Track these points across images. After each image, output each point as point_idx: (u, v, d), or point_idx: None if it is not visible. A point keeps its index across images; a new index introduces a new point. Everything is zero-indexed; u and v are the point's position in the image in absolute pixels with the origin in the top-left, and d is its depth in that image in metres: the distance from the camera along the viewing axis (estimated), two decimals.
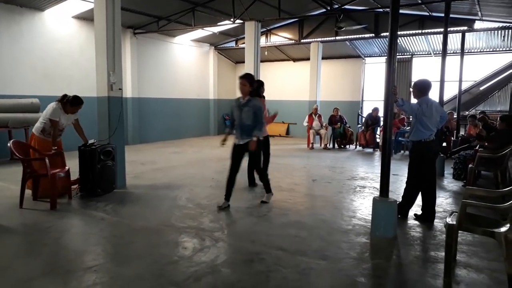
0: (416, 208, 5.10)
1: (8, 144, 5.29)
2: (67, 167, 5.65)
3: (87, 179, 5.80)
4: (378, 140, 12.03)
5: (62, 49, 10.37)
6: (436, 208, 4.95)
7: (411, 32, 11.93)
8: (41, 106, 8.84)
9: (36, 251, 3.87)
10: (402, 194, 5.06)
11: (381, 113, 12.07)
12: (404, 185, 5.18)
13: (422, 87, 4.87)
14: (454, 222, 3.33)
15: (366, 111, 14.18)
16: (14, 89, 9.36)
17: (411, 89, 5.02)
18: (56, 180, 5.27)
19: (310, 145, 12.20)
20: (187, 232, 4.39)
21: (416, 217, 4.96)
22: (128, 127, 12.06)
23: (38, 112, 8.77)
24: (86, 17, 10.61)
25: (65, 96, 5.81)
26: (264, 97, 6.69)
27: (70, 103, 5.75)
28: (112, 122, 6.21)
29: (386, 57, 14.20)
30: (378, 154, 11.26)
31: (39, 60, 9.86)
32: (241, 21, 10.86)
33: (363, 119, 12.87)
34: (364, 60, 14.93)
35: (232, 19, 10.90)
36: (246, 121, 5.20)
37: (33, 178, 5.45)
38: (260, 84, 6.55)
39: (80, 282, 3.21)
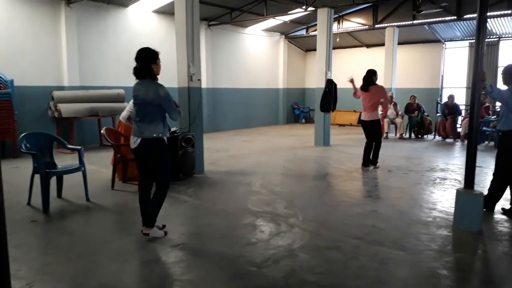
0: (504, 202, 4.78)
1: (102, 131, 5.82)
2: None
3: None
4: (459, 130, 11.30)
5: (143, 43, 10.85)
6: None
7: (499, 13, 10.96)
8: (126, 96, 9.57)
9: (128, 229, 4.25)
10: (489, 186, 4.77)
11: (458, 101, 11.32)
12: (489, 177, 4.88)
13: None
14: None
15: (446, 98, 13.35)
16: (102, 80, 10.20)
17: (500, 75, 4.67)
18: None
19: (385, 135, 11.77)
20: (263, 217, 4.54)
21: (504, 211, 4.65)
22: (203, 116, 12.56)
23: (123, 102, 9.49)
24: (164, 11, 11.18)
25: None
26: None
27: None
28: (192, 111, 6.55)
29: (469, 41, 13.33)
30: (459, 144, 10.60)
31: (123, 54, 10.57)
32: (313, 9, 10.74)
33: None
34: (444, 45, 14.01)
35: (304, 7, 10.81)
36: None
37: (123, 162, 5.94)
38: (373, 73, 7.26)
39: (168, 257, 3.50)
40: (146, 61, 3.71)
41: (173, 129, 6.27)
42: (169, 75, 8.76)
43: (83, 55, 9.80)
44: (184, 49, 6.43)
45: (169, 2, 10.17)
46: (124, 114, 6.28)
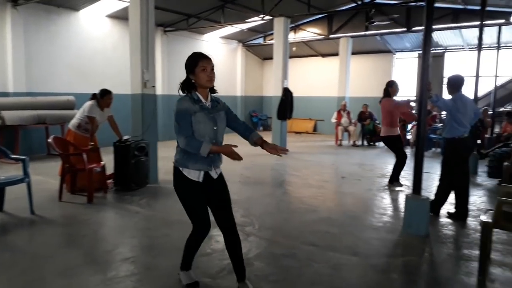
0: (449, 206, 5.02)
1: (49, 140, 5.54)
2: (102, 162, 5.86)
3: (121, 174, 6.00)
4: (408, 137, 11.81)
5: (96, 48, 10.68)
6: (469, 206, 4.86)
7: (445, 26, 11.62)
8: (77, 103, 9.19)
9: (76, 242, 4.06)
10: (435, 191, 4.99)
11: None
12: (436, 183, 5.11)
13: (456, 83, 4.80)
14: (490, 220, 3.28)
15: None
16: (51, 86, 9.73)
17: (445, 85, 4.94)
18: (92, 175, 5.48)
19: (338, 142, 12.11)
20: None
21: (449, 215, 4.88)
22: (158, 124, 12.31)
23: (73, 109, 9.10)
24: (119, 16, 10.88)
25: (94, 94, 6.05)
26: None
27: (100, 96, 5.96)
28: (146, 118, 6.39)
29: (418, 52, 13.98)
30: (408, 151, 11.04)
31: (75, 59, 10.19)
32: (270, 17, 10.88)
33: None
34: (394, 55, 14.65)
35: (261, 16, 10.93)
36: (222, 135, 3.05)
37: (71, 172, 5.68)
38: (389, 84, 6.65)
39: (119, 272, 3.36)
40: (186, 72, 2.89)
41: (125, 137, 6.08)
42: (122, 81, 8.56)
43: (30, 60, 9.31)
44: (138, 54, 6.28)
45: (123, 7, 9.93)
46: (73, 121, 6.02)
